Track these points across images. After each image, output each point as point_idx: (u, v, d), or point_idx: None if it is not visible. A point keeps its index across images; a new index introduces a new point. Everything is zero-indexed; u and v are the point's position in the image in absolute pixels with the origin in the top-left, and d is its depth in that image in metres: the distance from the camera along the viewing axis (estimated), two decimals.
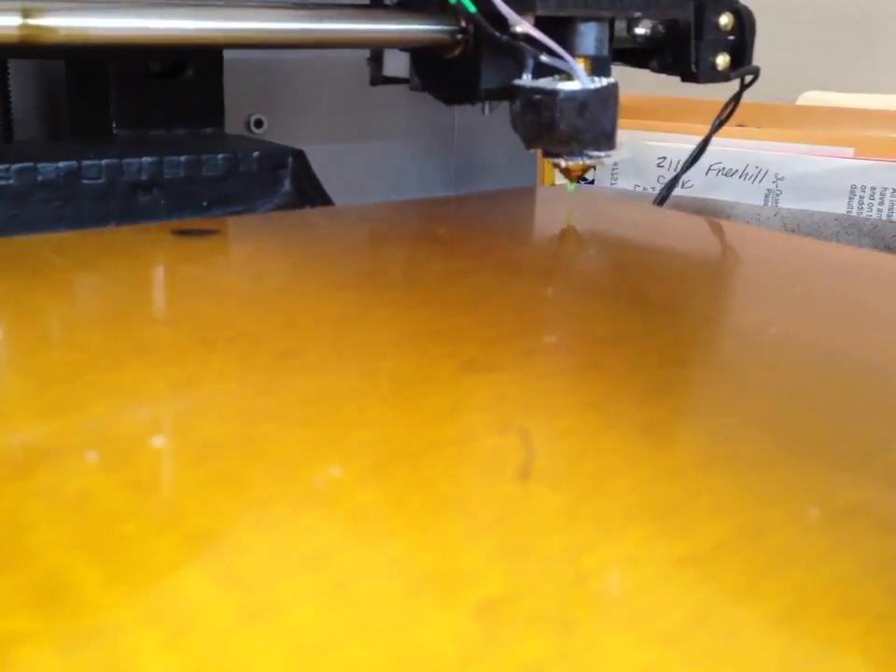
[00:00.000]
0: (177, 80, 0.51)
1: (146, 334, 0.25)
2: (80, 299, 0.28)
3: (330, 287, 0.30)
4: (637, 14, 0.37)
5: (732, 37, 0.45)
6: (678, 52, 0.45)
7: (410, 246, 0.35)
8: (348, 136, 0.63)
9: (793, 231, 0.79)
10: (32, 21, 0.30)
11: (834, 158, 0.69)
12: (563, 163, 0.35)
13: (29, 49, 0.32)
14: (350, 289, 0.30)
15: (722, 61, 0.45)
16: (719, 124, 0.51)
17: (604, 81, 0.34)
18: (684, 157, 0.84)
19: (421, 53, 0.39)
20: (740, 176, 0.82)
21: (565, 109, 0.33)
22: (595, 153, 0.35)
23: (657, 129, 0.84)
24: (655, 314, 0.28)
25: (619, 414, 0.21)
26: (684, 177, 0.84)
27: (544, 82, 0.34)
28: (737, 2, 0.45)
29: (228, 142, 0.50)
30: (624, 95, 0.89)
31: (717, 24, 0.44)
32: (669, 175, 0.82)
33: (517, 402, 0.22)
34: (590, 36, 0.36)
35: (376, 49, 0.43)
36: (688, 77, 0.45)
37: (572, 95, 0.34)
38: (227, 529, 0.16)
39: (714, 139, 0.85)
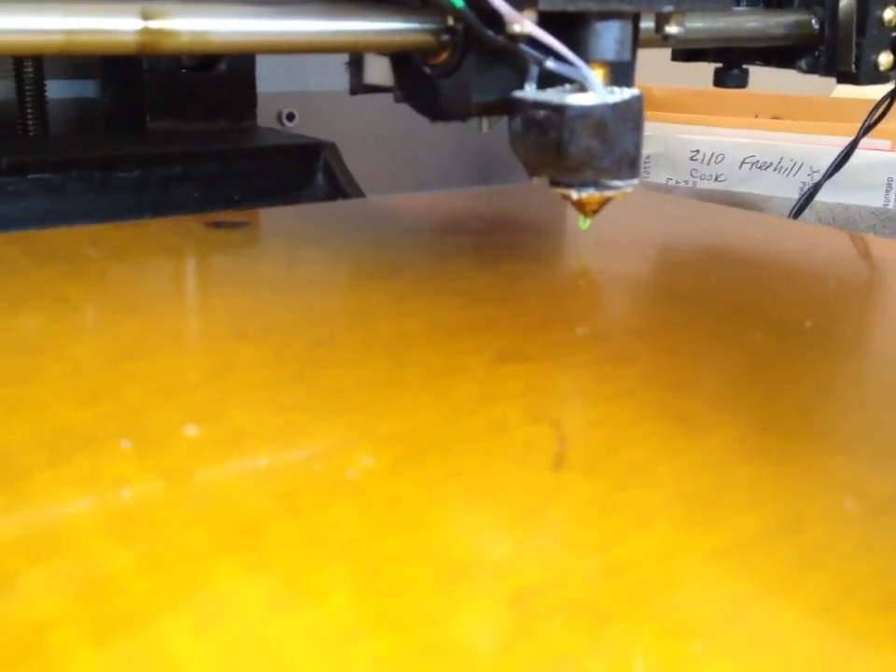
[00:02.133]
0: (210, 74, 0.51)
1: (179, 325, 0.25)
2: (115, 289, 0.28)
3: (362, 278, 0.30)
4: (668, 8, 0.30)
5: (895, 34, 0.41)
6: (833, 50, 0.40)
7: (441, 238, 0.35)
8: (378, 129, 0.62)
9: (831, 225, 0.78)
10: (154, 25, 0.27)
11: (871, 151, 0.68)
12: (574, 195, 0.29)
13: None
14: (381, 280, 0.30)
15: (886, 60, 0.40)
16: (868, 126, 0.47)
17: (625, 93, 0.28)
18: (718, 150, 0.83)
19: (401, 58, 0.33)
20: (774, 170, 0.81)
21: (576, 129, 0.27)
22: (615, 183, 0.29)
23: (687, 122, 0.83)
24: (688, 306, 0.28)
25: (650, 404, 0.21)
26: (717, 171, 0.83)
27: (551, 94, 0.28)
28: None
29: (260, 135, 0.50)
30: (654, 87, 0.87)
31: (881, 19, 0.40)
32: (702, 169, 0.82)
33: (549, 392, 0.22)
34: (608, 37, 0.29)
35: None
36: (846, 78, 0.41)
37: (585, 111, 0.27)
38: (260, 518, 0.16)
39: (748, 132, 0.84)
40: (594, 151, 0.29)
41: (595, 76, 0.29)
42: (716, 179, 0.82)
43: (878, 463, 0.18)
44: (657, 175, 0.85)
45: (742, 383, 0.22)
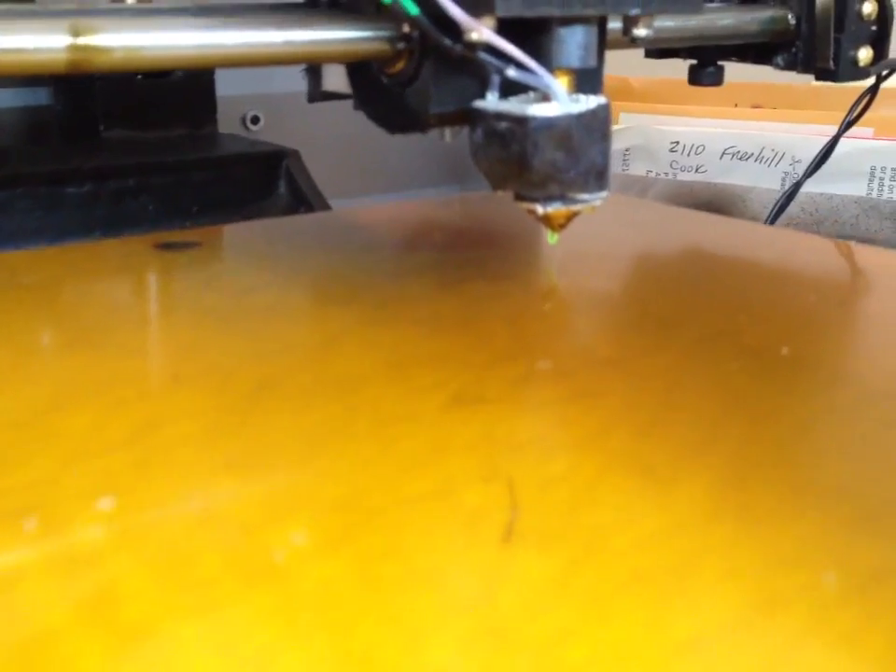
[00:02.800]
0: (167, 80, 0.49)
1: (112, 366, 0.23)
2: (46, 325, 0.26)
3: (316, 304, 0.29)
4: (635, 11, 0.28)
5: (874, 28, 0.39)
6: (810, 47, 0.39)
7: (404, 256, 0.33)
8: (348, 130, 0.60)
9: (812, 215, 0.76)
10: (83, 41, 0.25)
11: (854, 138, 0.66)
12: (540, 210, 0.27)
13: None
14: (337, 306, 0.28)
15: (865, 55, 0.39)
16: (849, 122, 0.45)
17: (591, 102, 0.27)
18: (698, 141, 0.81)
19: (358, 67, 0.31)
20: (756, 160, 0.79)
21: (540, 141, 0.26)
22: (583, 196, 0.27)
23: (666, 112, 0.81)
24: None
25: (617, 452, 0.19)
26: (697, 162, 0.81)
27: (512, 105, 0.26)
28: None
29: (220, 143, 0.49)
30: (632, 78, 0.85)
31: (860, 13, 0.38)
32: (683, 160, 0.80)
33: (506, 442, 0.20)
34: (572, 43, 0.28)
35: None
36: (824, 75, 0.39)
37: (549, 122, 0.26)
38: (165, 622, 0.14)
39: (728, 122, 0.82)
40: (559, 164, 0.27)
41: (559, 84, 0.27)
42: (696, 171, 0.81)
43: (862, 525, 0.17)
44: (636, 168, 0.83)
45: (716, 424, 0.21)
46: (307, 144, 0.59)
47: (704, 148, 0.79)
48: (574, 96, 0.28)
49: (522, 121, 0.26)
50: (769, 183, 0.77)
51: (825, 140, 0.77)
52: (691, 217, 0.40)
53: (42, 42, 0.26)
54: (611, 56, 0.32)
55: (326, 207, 0.46)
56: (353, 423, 0.21)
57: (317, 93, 0.35)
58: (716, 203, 0.81)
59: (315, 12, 0.32)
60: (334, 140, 0.61)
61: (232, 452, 0.19)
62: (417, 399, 0.22)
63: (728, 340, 0.25)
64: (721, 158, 0.78)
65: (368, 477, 0.18)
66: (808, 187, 0.77)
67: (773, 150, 0.77)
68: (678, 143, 0.79)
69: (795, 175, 0.78)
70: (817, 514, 0.17)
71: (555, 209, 0.28)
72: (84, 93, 0.48)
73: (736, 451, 0.19)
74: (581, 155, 0.27)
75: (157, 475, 0.18)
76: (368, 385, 0.23)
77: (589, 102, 0.27)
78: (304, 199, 0.46)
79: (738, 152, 0.78)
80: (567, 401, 0.22)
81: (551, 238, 0.30)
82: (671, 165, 0.79)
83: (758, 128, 0.78)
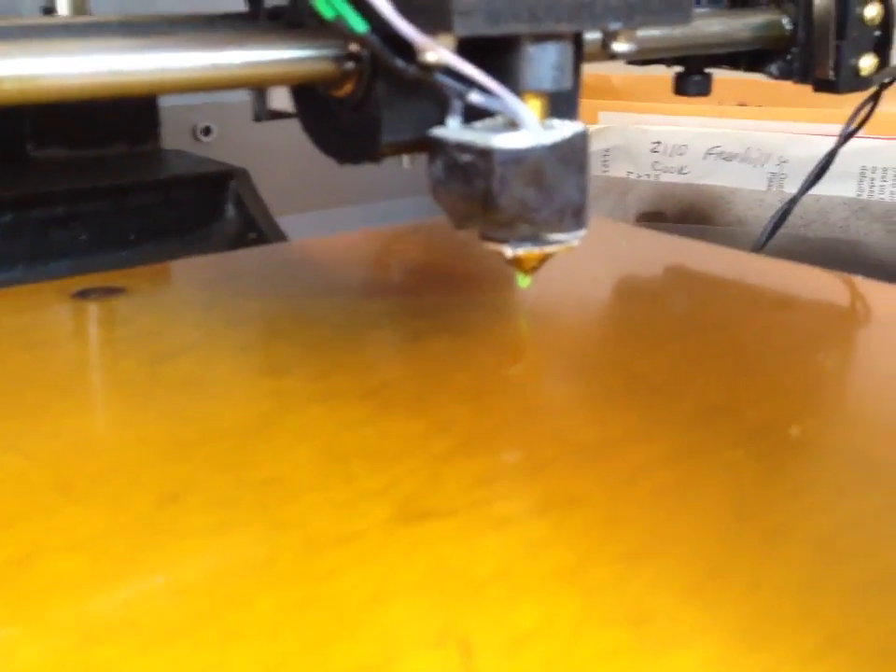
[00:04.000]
0: None
1: None
2: None
3: (247, 374, 0.25)
4: (616, 26, 0.24)
5: (878, 33, 0.35)
6: (808, 54, 0.35)
7: (355, 303, 0.29)
8: (306, 140, 0.56)
9: (801, 218, 0.73)
10: None
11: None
12: (509, 252, 0.24)
13: None
14: (271, 377, 0.24)
15: (868, 63, 0.35)
16: (848, 135, 0.41)
17: (566, 129, 0.23)
18: (680, 141, 0.78)
19: (302, 88, 0.28)
20: (741, 160, 0.76)
21: (507, 176, 0.23)
22: (557, 236, 0.24)
23: (648, 111, 0.78)
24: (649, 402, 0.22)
25: (600, 592, 0.16)
26: (680, 163, 0.78)
27: (476, 133, 0.23)
28: None
29: (163, 162, 0.44)
30: (612, 75, 0.82)
31: (862, 18, 0.34)
32: (665, 161, 0.77)
33: (462, 580, 0.16)
34: (543, 63, 0.24)
35: None
36: (822, 85, 0.36)
37: (517, 155, 0.23)
38: None
39: (711, 121, 0.79)
40: (529, 202, 0.23)
41: (529, 110, 0.24)
42: (679, 172, 0.78)
43: None
44: (617, 169, 0.80)
45: (719, 545, 0.17)
46: (263, 154, 0.54)
47: (687, 148, 0.76)
48: (547, 122, 0.24)
49: (486, 154, 0.23)
50: (755, 184, 0.74)
51: (813, 139, 0.74)
52: (679, 246, 0.36)
53: None
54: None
55: (276, 231, 0.42)
56: (273, 552, 0.17)
57: (263, 112, 0.31)
58: (699, 205, 0.77)
59: (250, 29, 0.28)
60: (293, 149, 0.57)
61: (115, 610, 0.15)
62: (357, 513, 0.18)
63: (727, 416, 0.22)
64: (704, 158, 0.75)
65: (286, 642, 0.14)
66: (795, 188, 0.74)
67: (759, 150, 0.74)
68: (659, 143, 0.76)
69: (783, 176, 0.75)
70: None
71: (526, 251, 0.24)
72: (10, 109, 0.43)
73: (747, 591, 0.16)
74: (554, 191, 0.24)
75: (19, 642, 0.14)
76: (300, 493, 0.19)
77: (563, 130, 0.24)
78: (253, 223, 0.42)
79: (723, 152, 0.75)
80: (538, 513, 0.18)
81: (522, 281, 0.26)
82: (653, 166, 0.76)
83: (743, 127, 0.75)
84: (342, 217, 0.66)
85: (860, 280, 0.30)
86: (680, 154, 0.77)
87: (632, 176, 0.77)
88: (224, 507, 0.18)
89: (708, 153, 0.76)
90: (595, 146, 0.71)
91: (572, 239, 0.24)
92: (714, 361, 0.25)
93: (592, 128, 0.72)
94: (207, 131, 0.55)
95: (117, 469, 0.19)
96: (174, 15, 0.30)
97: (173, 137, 0.49)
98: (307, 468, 0.20)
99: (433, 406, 0.22)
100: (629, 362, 0.25)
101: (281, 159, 0.58)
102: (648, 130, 0.77)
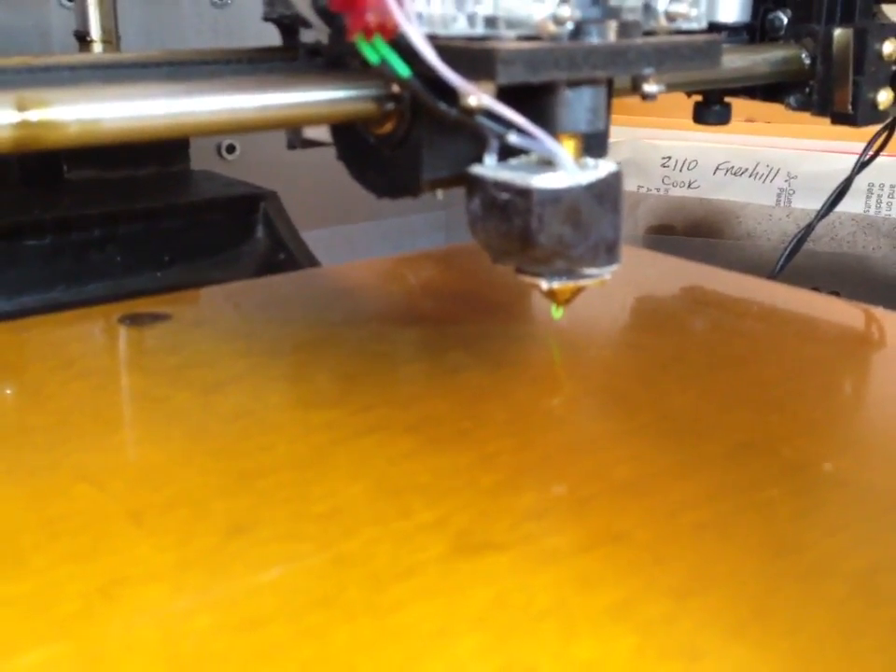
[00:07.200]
0: None
1: (57, 501, 0.20)
2: None
3: (297, 406, 0.26)
4: (648, 71, 0.25)
5: (894, 68, 0.36)
6: (826, 88, 0.36)
7: (389, 336, 0.30)
8: (328, 157, 0.57)
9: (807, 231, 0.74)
10: (33, 117, 0.22)
11: (850, 154, 0.63)
12: (545, 286, 0.25)
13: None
14: (319, 410, 0.25)
15: (885, 98, 0.36)
16: (863, 164, 0.42)
17: (601, 169, 0.24)
18: (690, 156, 0.79)
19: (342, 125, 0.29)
20: (750, 175, 0.77)
21: (545, 215, 0.24)
22: (592, 271, 0.25)
23: (658, 126, 0.79)
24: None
25: (653, 628, 0.17)
26: (690, 177, 0.79)
27: (514, 172, 0.24)
28: None
29: (193, 184, 0.45)
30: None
31: (880, 54, 0.35)
32: (675, 175, 0.78)
33: (521, 615, 0.17)
34: (579, 107, 0.25)
35: None
36: (841, 118, 0.37)
37: (555, 195, 0.24)
38: None
39: (722, 137, 0.80)
40: (566, 239, 0.24)
41: (565, 151, 0.25)
42: (689, 186, 0.79)
43: None
44: (627, 183, 0.81)
45: (760, 584, 0.18)
46: (286, 172, 0.56)
47: (696, 163, 0.77)
48: (582, 161, 0.25)
49: (525, 193, 0.24)
50: (764, 199, 0.75)
51: (822, 156, 0.75)
52: (704, 274, 0.37)
53: None
54: None
55: (306, 252, 0.43)
56: (337, 587, 0.18)
57: (297, 141, 0.32)
58: (709, 219, 0.78)
59: (294, 70, 0.29)
60: (314, 167, 0.58)
61: (195, 632, 0.16)
62: (415, 546, 0.19)
63: (761, 452, 0.23)
64: (714, 173, 0.76)
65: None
66: (805, 203, 0.75)
67: (767, 166, 0.75)
68: (669, 157, 0.77)
69: (790, 192, 0.76)
70: None
71: (561, 284, 0.26)
72: None
73: (789, 637, 0.17)
74: (590, 229, 0.25)
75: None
76: (355, 526, 0.20)
77: (598, 169, 0.24)
78: (283, 244, 0.43)
79: (732, 167, 0.76)
80: (585, 549, 0.19)
81: (555, 312, 0.27)
82: (663, 181, 0.77)
83: (752, 142, 0.76)
84: (359, 232, 0.67)
85: (881, 312, 0.31)
86: (690, 169, 0.78)
87: (642, 190, 0.78)
88: (288, 540, 0.19)
89: (718, 168, 0.78)
90: None
91: (605, 273, 0.25)
92: (744, 396, 0.26)
93: None
94: (231, 149, 0.56)
95: (183, 500, 0.20)
96: (213, 51, 0.31)
97: (198, 155, 0.50)
98: (363, 500, 0.21)
99: (476, 439, 0.23)
100: (661, 398, 0.26)
101: (302, 175, 0.59)
102: (658, 145, 0.78)
